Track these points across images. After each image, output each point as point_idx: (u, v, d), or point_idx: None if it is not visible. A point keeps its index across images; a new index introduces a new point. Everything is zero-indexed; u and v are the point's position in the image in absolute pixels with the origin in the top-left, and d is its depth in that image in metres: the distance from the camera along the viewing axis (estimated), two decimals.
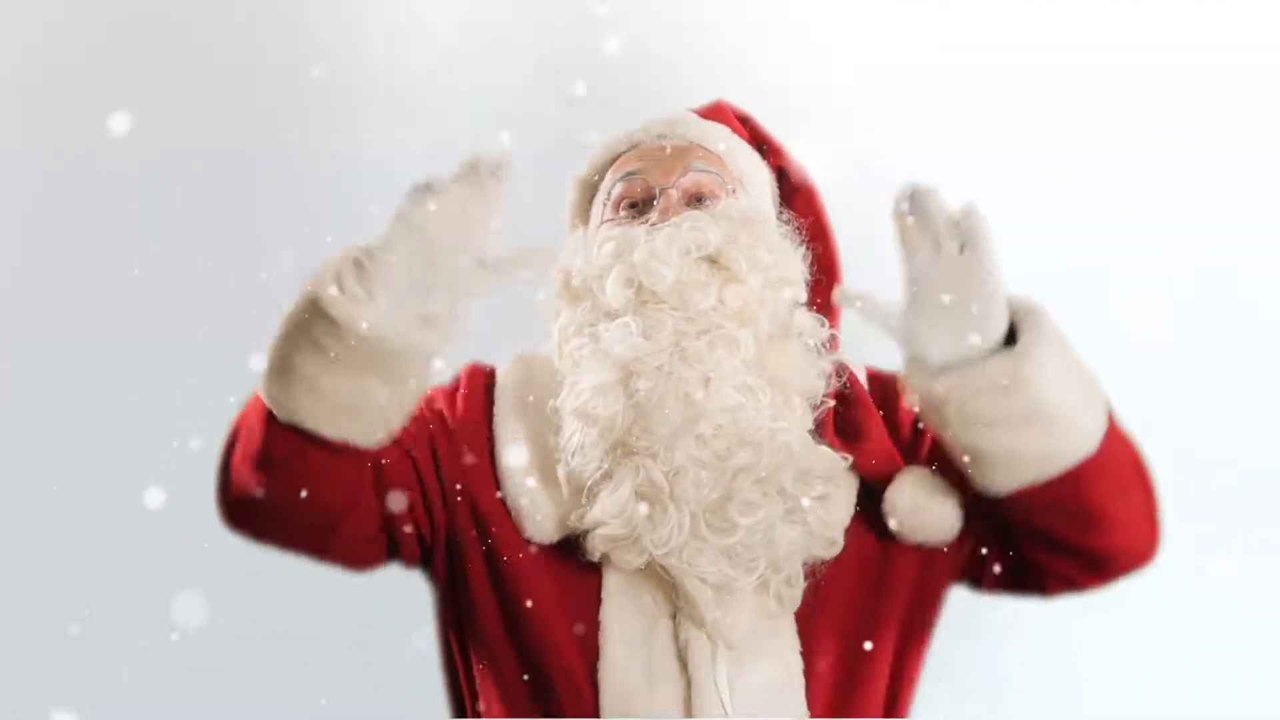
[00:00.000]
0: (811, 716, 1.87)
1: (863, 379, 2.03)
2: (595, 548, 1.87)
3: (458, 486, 1.94)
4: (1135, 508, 1.87)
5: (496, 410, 1.98)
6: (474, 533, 1.92)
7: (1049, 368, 1.79)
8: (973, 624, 3.03)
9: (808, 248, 2.03)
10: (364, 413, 1.79)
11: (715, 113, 2.15)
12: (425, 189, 1.76)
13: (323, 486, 1.83)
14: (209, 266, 3.29)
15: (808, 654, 1.88)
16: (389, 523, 1.92)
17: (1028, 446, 1.80)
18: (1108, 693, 3.33)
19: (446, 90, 3.40)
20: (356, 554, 1.94)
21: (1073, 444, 1.82)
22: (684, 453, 1.85)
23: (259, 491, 1.83)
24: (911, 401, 1.84)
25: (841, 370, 1.98)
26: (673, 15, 3.38)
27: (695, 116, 2.13)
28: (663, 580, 1.87)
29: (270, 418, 1.82)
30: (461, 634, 1.97)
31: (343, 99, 3.37)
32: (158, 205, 3.37)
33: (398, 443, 1.90)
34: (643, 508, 1.84)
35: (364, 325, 1.74)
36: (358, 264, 1.76)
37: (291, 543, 1.91)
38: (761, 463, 1.85)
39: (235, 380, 1.99)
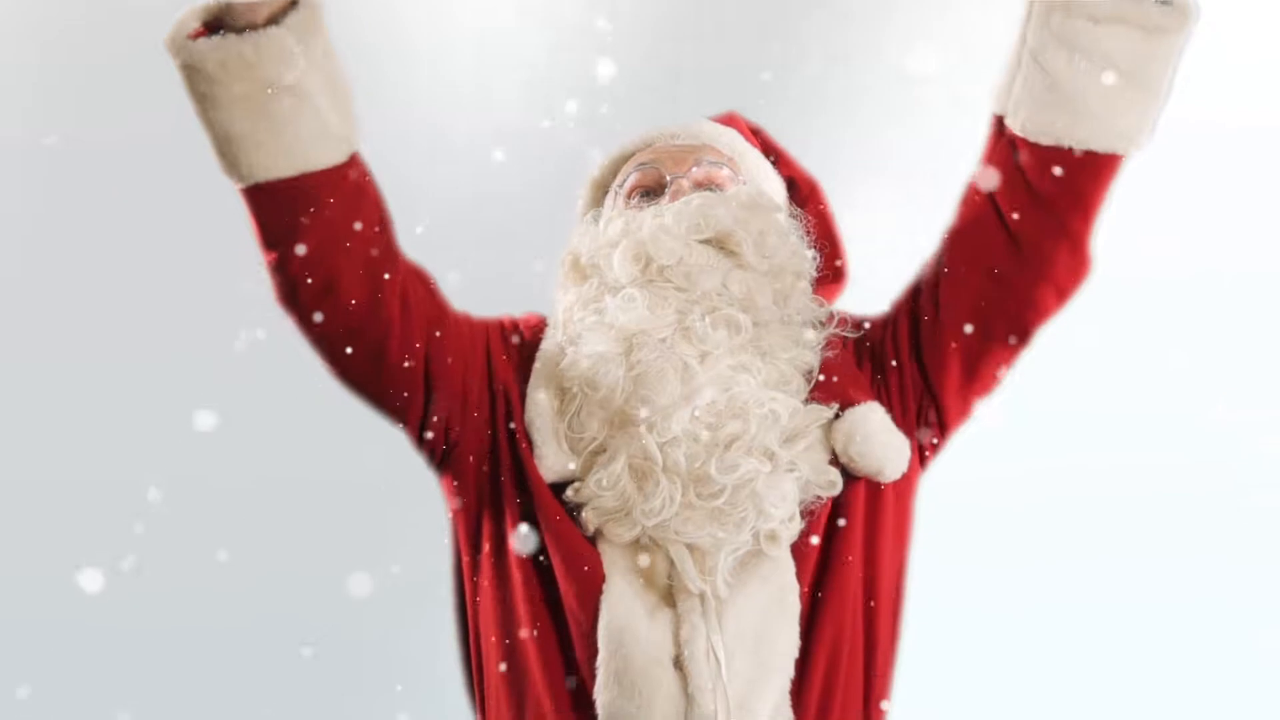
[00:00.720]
0: (801, 634, 1.93)
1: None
2: (589, 521, 1.94)
3: (502, 389, 2.01)
4: (1096, 229, 2.01)
5: (541, 349, 2.04)
6: (507, 441, 1.99)
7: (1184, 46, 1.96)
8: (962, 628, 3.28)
9: (816, 249, 2.10)
10: (295, 129, 1.85)
11: (728, 122, 2.21)
12: None
13: (324, 239, 1.87)
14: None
15: (801, 578, 1.94)
16: (430, 353, 1.96)
17: (1121, 108, 1.94)
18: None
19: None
20: (393, 362, 1.94)
21: (1141, 133, 1.98)
22: (680, 425, 1.92)
23: (283, 268, 1.88)
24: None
25: (833, 343, 2.04)
26: None
27: (709, 121, 2.20)
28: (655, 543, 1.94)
29: (244, 196, 1.89)
30: (474, 555, 2.02)
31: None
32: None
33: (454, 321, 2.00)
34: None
35: (203, 49, 1.81)
36: None
37: (339, 327, 1.91)
38: (750, 431, 1.92)
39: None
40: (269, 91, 1.83)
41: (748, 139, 2.19)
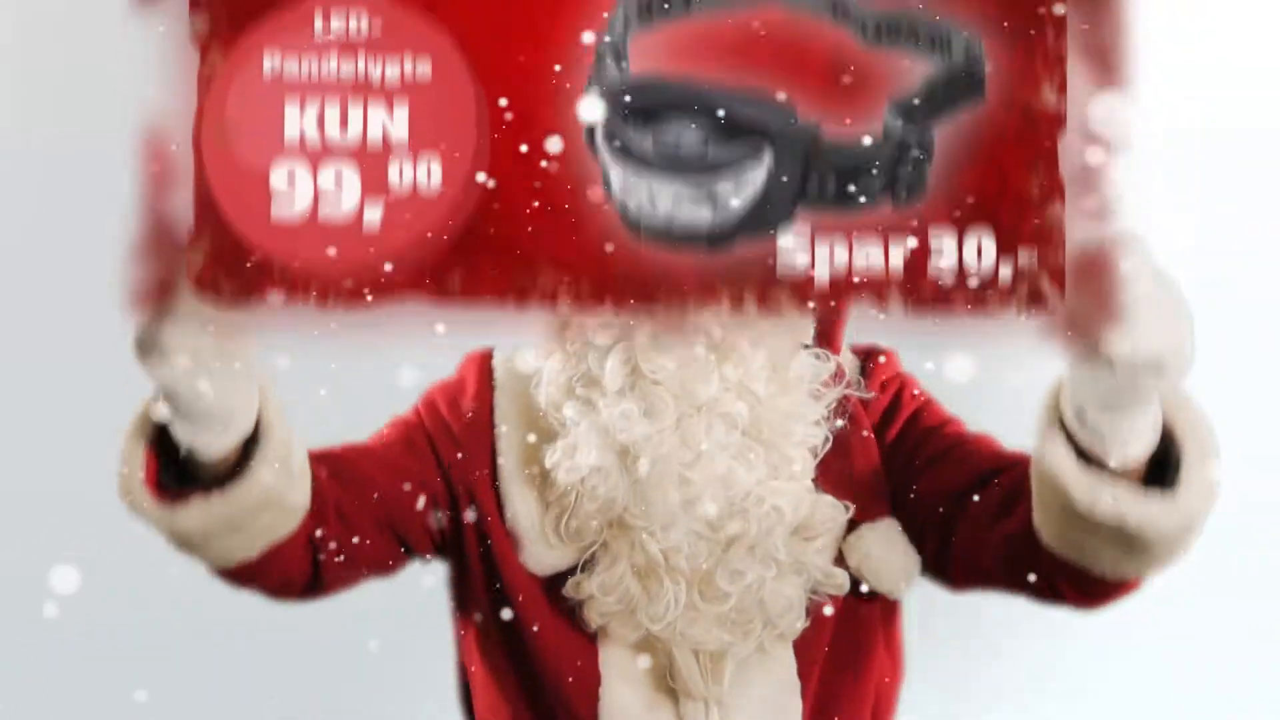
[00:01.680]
0: None
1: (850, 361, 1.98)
2: (591, 620, 1.87)
3: (465, 490, 1.92)
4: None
5: (498, 431, 1.94)
6: (477, 543, 1.92)
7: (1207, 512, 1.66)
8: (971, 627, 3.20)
9: None
10: (265, 525, 1.75)
11: None
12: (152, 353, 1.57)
13: (279, 579, 1.84)
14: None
15: (804, 677, 1.90)
16: (398, 526, 1.91)
17: (1141, 566, 1.69)
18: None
19: None
20: (353, 584, 1.93)
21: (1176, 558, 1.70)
22: (679, 534, 1.84)
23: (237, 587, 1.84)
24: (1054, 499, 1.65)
25: (845, 405, 1.92)
26: None
27: None
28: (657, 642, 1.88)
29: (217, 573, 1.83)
30: (468, 628, 1.97)
31: None
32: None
33: (389, 463, 1.91)
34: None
35: (182, 522, 1.70)
36: (169, 397, 1.60)
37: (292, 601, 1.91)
38: (751, 531, 1.84)
39: None
40: (246, 520, 1.73)
41: None
